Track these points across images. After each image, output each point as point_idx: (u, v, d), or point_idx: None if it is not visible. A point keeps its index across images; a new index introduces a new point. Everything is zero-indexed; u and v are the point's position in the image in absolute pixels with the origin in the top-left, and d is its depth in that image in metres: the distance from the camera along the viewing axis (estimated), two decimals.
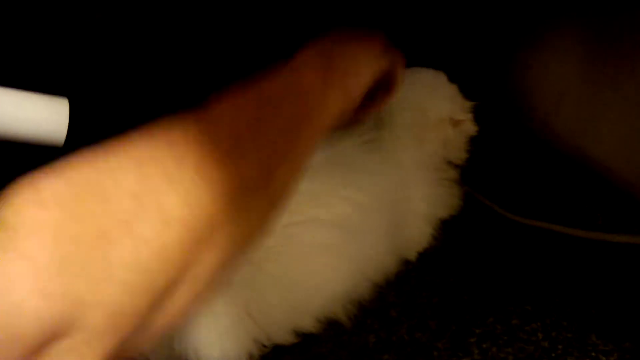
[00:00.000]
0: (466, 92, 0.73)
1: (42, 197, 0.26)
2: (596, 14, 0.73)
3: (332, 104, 0.44)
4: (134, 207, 0.28)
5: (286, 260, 0.57)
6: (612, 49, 0.70)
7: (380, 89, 0.54)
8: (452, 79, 0.73)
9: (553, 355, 0.55)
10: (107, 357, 0.27)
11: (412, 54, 0.77)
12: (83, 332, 0.26)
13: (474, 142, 0.72)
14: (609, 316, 0.58)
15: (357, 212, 0.60)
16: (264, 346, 0.57)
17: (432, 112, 0.69)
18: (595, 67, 0.73)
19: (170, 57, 0.69)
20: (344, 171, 0.61)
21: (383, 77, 0.52)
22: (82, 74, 0.64)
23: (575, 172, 0.76)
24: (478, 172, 0.77)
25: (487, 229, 0.72)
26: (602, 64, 0.71)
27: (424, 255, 0.68)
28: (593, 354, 0.55)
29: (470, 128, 0.71)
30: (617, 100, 0.70)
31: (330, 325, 0.59)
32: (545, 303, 0.60)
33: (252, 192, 0.36)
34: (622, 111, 0.70)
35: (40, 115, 0.45)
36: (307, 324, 0.58)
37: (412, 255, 0.67)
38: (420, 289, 0.64)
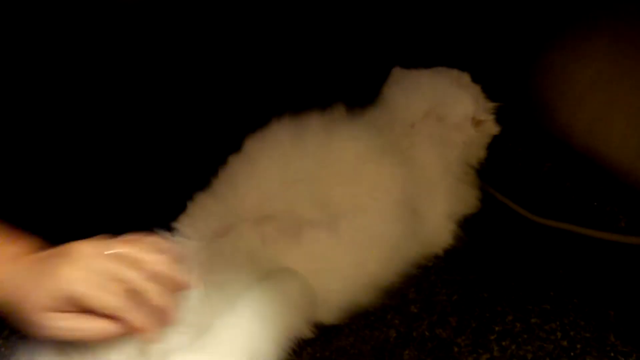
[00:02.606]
0: (489, 93, 0.73)
1: None
2: (620, 16, 0.73)
3: None
4: None
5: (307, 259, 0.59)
6: (638, 51, 0.70)
7: None
8: (475, 79, 0.73)
9: (572, 354, 0.55)
10: None
11: (436, 54, 0.78)
12: None
13: (496, 143, 0.72)
14: (628, 317, 0.59)
15: (374, 210, 0.62)
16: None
17: (455, 112, 0.70)
18: (618, 69, 0.73)
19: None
20: (361, 172, 0.63)
21: None
22: None
23: (597, 173, 0.76)
24: (500, 172, 0.77)
25: (508, 229, 0.72)
26: (626, 66, 0.72)
27: (444, 253, 0.68)
28: (612, 354, 0.55)
29: (492, 128, 0.72)
30: (637, 103, 0.70)
31: (352, 320, 0.60)
32: (564, 303, 0.61)
33: None
34: None
35: None
36: (328, 315, 0.60)
37: (432, 252, 0.68)
38: (440, 286, 0.64)
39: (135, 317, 0.48)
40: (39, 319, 0.47)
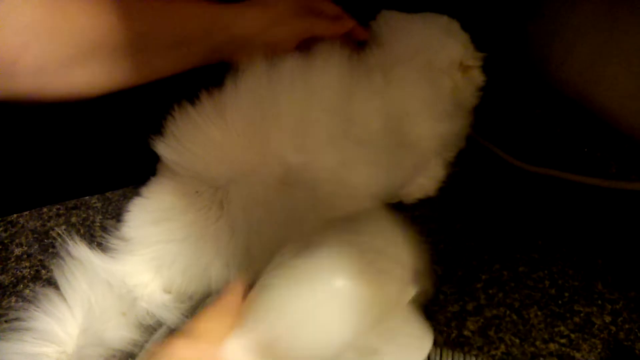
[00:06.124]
0: (478, 42, 0.71)
1: None
2: None
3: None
4: None
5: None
6: None
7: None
8: (464, 28, 0.71)
9: (560, 302, 0.55)
10: None
11: (428, 2, 0.75)
12: None
13: (484, 91, 0.70)
14: (615, 265, 0.58)
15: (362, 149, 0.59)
16: None
17: (443, 55, 0.67)
18: (610, 14, 0.71)
19: None
20: (348, 112, 0.59)
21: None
22: None
23: (588, 120, 0.75)
24: (489, 120, 0.76)
25: (497, 177, 0.71)
26: (618, 11, 0.70)
27: (430, 201, 0.66)
28: (599, 302, 0.55)
29: (478, 77, 0.70)
30: (628, 49, 0.69)
31: None
32: (552, 252, 0.60)
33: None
34: (632, 59, 0.69)
35: None
36: None
37: (417, 197, 0.66)
38: (426, 235, 0.63)
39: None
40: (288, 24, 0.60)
